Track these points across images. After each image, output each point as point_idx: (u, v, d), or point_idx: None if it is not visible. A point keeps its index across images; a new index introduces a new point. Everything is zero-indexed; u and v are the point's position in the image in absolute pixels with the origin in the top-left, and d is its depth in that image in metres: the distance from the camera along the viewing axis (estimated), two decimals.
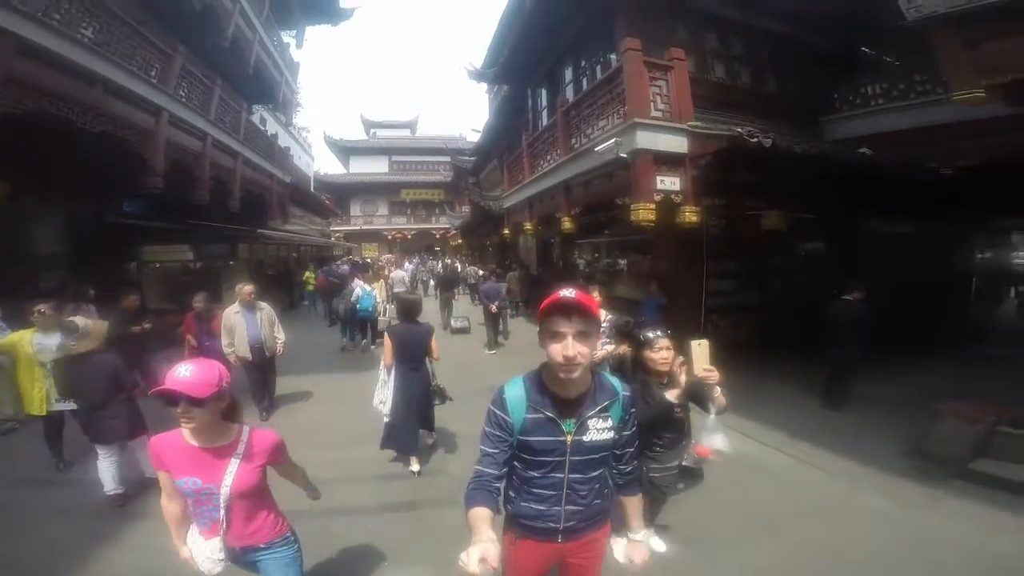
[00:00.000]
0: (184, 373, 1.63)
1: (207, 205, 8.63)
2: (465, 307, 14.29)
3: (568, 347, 1.38)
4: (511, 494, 1.67)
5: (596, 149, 6.49)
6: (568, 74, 10.64)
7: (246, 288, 5.34)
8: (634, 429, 1.71)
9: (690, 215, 5.94)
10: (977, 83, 3.62)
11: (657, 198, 5.88)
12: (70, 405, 3.76)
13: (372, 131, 40.41)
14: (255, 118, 14.74)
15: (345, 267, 16.00)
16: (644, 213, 5.79)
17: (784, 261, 8.08)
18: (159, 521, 2.00)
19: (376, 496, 3.87)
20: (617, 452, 1.68)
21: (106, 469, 3.55)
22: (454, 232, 29.06)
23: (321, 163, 34.66)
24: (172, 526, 1.88)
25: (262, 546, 1.87)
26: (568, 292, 1.41)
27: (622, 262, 10.65)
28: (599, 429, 1.55)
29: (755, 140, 5.07)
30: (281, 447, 1.91)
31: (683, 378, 2.33)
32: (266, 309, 5.52)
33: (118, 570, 2.97)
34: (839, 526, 3.37)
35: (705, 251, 7.40)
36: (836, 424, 5.13)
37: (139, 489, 3.73)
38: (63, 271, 7.82)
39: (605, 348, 3.95)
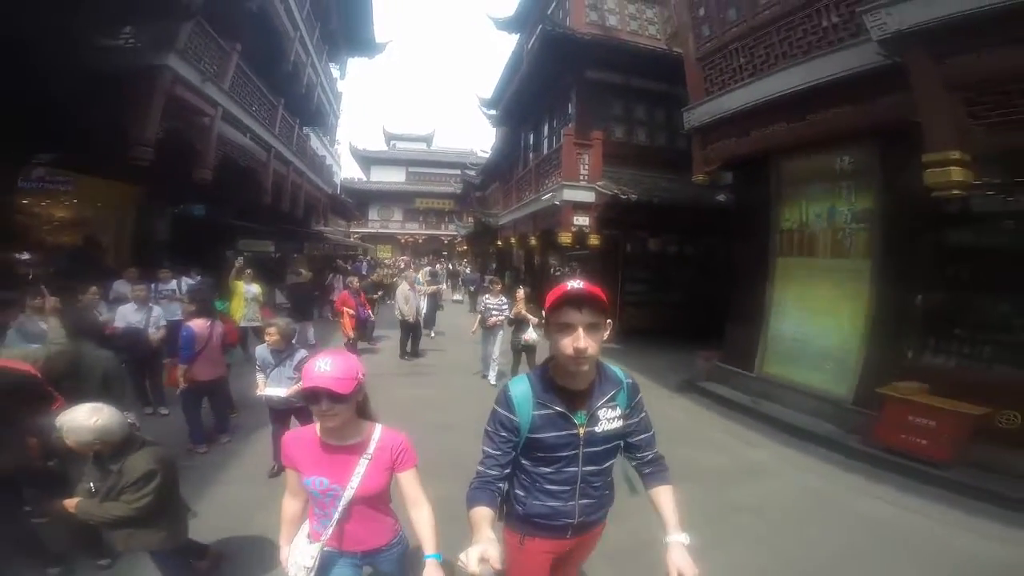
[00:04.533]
0: (325, 368, 1.50)
1: (274, 209, 12.43)
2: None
3: (579, 339, 1.35)
4: (520, 493, 1.60)
5: (542, 198, 10.53)
6: (546, 129, 14.73)
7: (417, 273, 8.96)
8: (645, 414, 1.68)
9: (594, 240, 9.94)
10: (707, 168, 7.34)
11: (574, 229, 9.89)
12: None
13: (392, 143, 44.21)
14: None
15: (363, 264, 20.05)
16: (565, 238, 9.85)
17: (672, 271, 11.91)
18: None
19: None
20: (632, 441, 1.64)
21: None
22: (460, 239, 33.22)
23: (345, 170, 38.60)
24: (284, 524, 1.79)
25: (383, 547, 1.77)
26: (576, 283, 1.38)
27: (568, 269, 14.59)
28: (609, 419, 1.54)
29: (624, 197, 9.03)
30: (409, 449, 1.72)
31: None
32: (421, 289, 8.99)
33: None
34: None
35: (621, 263, 11.30)
36: (660, 366, 8.83)
37: None
38: (185, 254, 11.70)
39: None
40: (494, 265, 22.05)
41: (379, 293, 11.75)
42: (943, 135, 3.75)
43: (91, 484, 2.17)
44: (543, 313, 1.48)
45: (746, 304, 6.80)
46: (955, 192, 3.74)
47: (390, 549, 1.80)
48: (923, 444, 4.37)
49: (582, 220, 9.92)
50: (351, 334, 8.22)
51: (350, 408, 1.59)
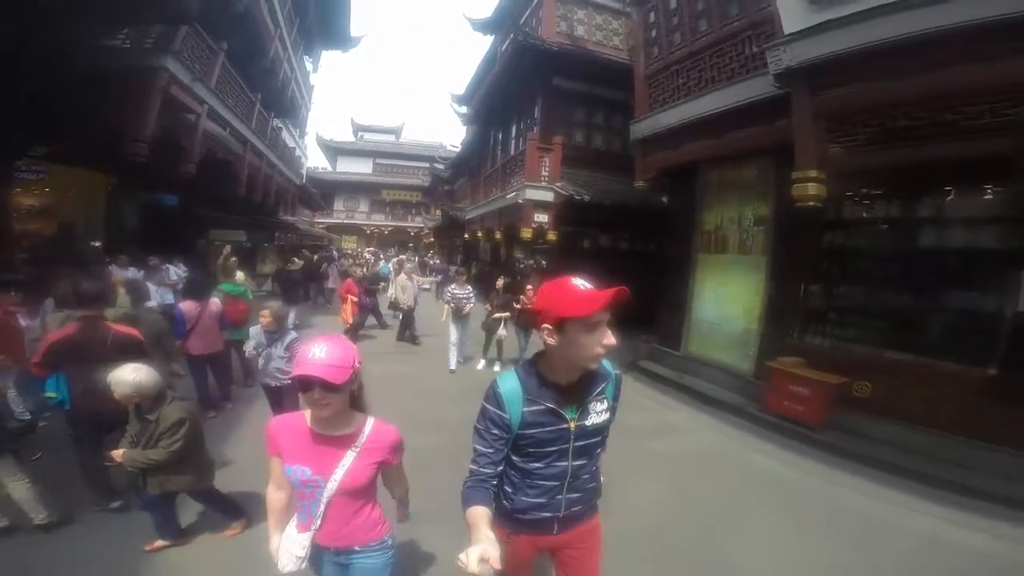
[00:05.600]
0: (319, 355, 1.45)
1: (247, 200, 12.82)
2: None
3: (608, 335, 1.41)
4: (508, 490, 1.61)
5: (507, 196, 11.45)
6: (513, 130, 15.59)
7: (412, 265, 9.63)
8: (617, 405, 1.71)
9: (552, 236, 10.93)
10: (646, 176, 8.46)
11: (534, 226, 10.85)
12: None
13: (360, 134, 44.07)
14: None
15: (334, 254, 20.48)
16: (526, 233, 10.80)
17: (622, 265, 13.00)
18: None
19: None
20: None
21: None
22: (427, 231, 33.80)
23: (310, 159, 38.40)
24: (271, 515, 1.75)
25: (357, 548, 1.69)
26: (587, 283, 1.42)
27: (533, 262, 15.60)
28: (598, 412, 1.57)
29: (579, 197, 10.04)
30: (399, 446, 1.71)
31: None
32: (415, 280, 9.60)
33: None
34: None
35: (581, 255, 12.32)
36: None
37: None
38: (156, 243, 12.03)
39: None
40: (460, 257, 22.85)
41: (381, 284, 12.25)
42: (807, 156, 4.84)
43: (132, 435, 2.66)
44: (549, 317, 1.44)
45: (675, 294, 7.91)
46: (812, 203, 4.85)
47: (371, 551, 1.71)
48: (800, 409, 5.38)
49: (542, 217, 10.92)
50: (351, 321, 8.89)
51: (343, 398, 1.55)
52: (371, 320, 10.59)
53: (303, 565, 1.64)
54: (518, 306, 7.57)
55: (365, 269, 14.47)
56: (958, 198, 4.82)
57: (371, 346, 9.02)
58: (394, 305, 9.64)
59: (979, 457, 4.25)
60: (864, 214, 5.62)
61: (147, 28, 7.04)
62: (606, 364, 1.63)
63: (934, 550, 3.37)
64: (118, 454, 2.61)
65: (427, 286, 16.23)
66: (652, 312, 9.48)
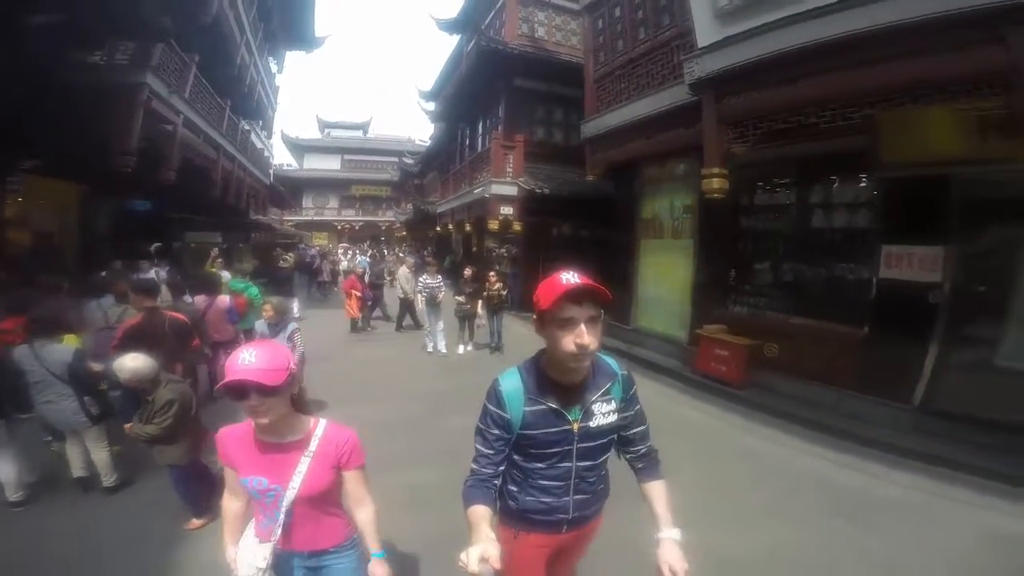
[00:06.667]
0: (249, 359, 1.39)
1: (221, 202, 13.23)
2: None
3: (583, 335, 1.32)
4: (513, 489, 1.58)
5: (475, 191, 12.24)
6: (480, 128, 16.26)
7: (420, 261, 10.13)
8: (640, 406, 1.65)
9: (517, 227, 11.80)
10: (594, 171, 9.34)
11: (500, 218, 11.68)
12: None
13: (327, 131, 43.90)
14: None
15: (314, 251, 20.95)
16: (493, 225, 11.64)
17: (582, 250, 13.91)
18: None
19: None
20: (626, 435, 1.63)
21: None
22: (399, 225, 34.20)
23: (276, 157, 38.21)
24: (226, 524, 1.73)
25: (331, 549, 1.68)
26: (572, 276, 1.34)
27: (504, 251, 16.43)
28: (604, 413, 1.51)
29: (539, 191, 10.90)
30: (357, 447, 1.64)
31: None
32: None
33: None
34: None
35: (545, 244, 13.21)
36: None
37: None
38: (132, 247, 12.35)
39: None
40: (430, 249, 23.52)
41: (388, 278, 12.84)
42: (712, 155, 5.78)
43: (139, 413, 3.06)
44: (536, 310, 1.41)
45: (623, 274, 8.85)
46: (717, 195, 5.81)
47: (340, 552, 1.70)
48: (723, 370, 6.31)
49: (507, 210, 11.76)
50: (357, 315, 9.59)
51: (283, 402, 1.49)
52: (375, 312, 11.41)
53: (264, 574, 1.59)
54: (485, 293, 8.32)
55: (347, 264, 15.48)
56: (840, 186, 5.83)
57: (373, 334, 10.28)
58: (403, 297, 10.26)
59: (859, 406, 5.15)
60: (769, 201, 6.65)
61: (123, 45, 7.52)
62: (611, 363, 1.60)
63: (818, 487, 4.01)
64: (128, 427, 3.06)
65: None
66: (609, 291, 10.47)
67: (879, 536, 3.35)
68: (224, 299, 5.73)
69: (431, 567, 2.87)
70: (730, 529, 3.33)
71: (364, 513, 1.68)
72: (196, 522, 3.24)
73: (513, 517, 1.61)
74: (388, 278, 12.93)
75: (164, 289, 5.80)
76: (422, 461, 4.28)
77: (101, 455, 3.58)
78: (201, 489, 3.29)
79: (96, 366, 3.44)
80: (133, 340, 3.44)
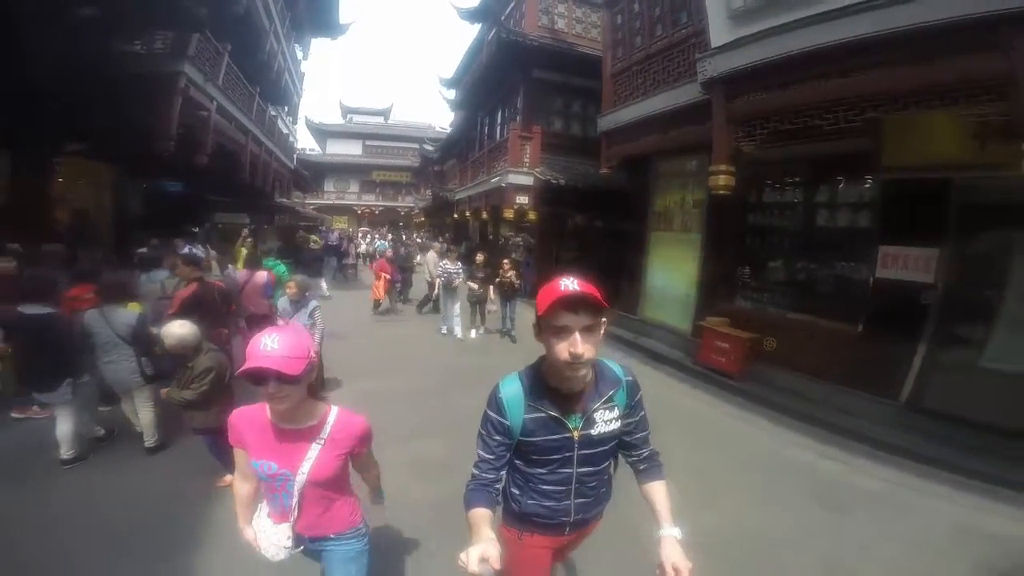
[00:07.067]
0: (272, 346, 1.40)
1: (249, 185, 13.76)
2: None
3: (576, 344, 1.29)
4: (515, 492, 1.61)
5: (492, 180, 12.52)
6: (499, 117, 16.48)
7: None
8: (644, 412, 1.64)
9: (532, 216, 12.07)
10: (608, 164, 9.51)
11: (516, 207, 11.95)
12: None
13: (349, 116, 44.31)
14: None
15: (335, 234, 21.48)
16: (508, 214, 11.92)
17: (594, 240, 14.08)
18: None
19: None
20: (629, 440, 1.62)
21: None
22: (418, 211, 34.66)
23: (300, 142, 38.82)
24: (239, 506, 1.78)
25: (332, 536, 1.72)
26: (571, 283, 1.31)
27: (520, 239, 16.69)
28: (606, 420, 1.50)
29: (555, 182, 11.13)
30: (368, 436, 1.70)
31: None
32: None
33: None
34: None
35: (559, 233, 13.48)
36: None
37: None
38: (162, 227, 12.93)
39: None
40: (447, 235, 23.95)
41: (416, 261, 13.27)
42: (720, 153, 5.98)
43: (177, 378, 3.23)
44: (536, 312, 1.39)
45: (633, 265, 9.12)
46: (723, 191, 6.01)
47: (344, 540, 1.73)
48: (723, 361, 6.54)
49: (523, 199, 12.01)
50: (381, 297, 10.10)
51: (301, 390, 1.51)
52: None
53: (293, 552, 1.68)
54: (497, 279, 8.62)
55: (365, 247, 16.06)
56: (844, 187, 6.00)
57: (395, 316, 10.76)
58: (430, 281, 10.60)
59: (849, 401, 5.36)
60: (775, 199, 6.83)
61: (161, 35, 7.94)
62: (616, 369, 1.59)
63: (800, 475, 4.24)
64: (164, 392, 3.21)
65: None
66: (620, 281, 10.70)
67: (854, 522, 3.56)
68: (262, 274, 6.11)
69: (435, 527, 3.14)
70: (708, 507, 3.60)
71: (370, 472, 1.90)
72: (229, 478, 3.32)
73: (516, 519, 1.65)
74: (417, 260, 13.32)
75: (213, 263, 6.26)
76: (429, 433, 4.64)
77: (147, 415, 3.93)
78: (229, 453, 3.63)
79: (154, 330, 3.77)
80: (187, 308, 3.84)
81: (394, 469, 1.71)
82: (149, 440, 3.94)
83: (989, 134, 4.33)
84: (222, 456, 3.42)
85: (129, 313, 3.87)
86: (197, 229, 11.70)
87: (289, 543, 1.65)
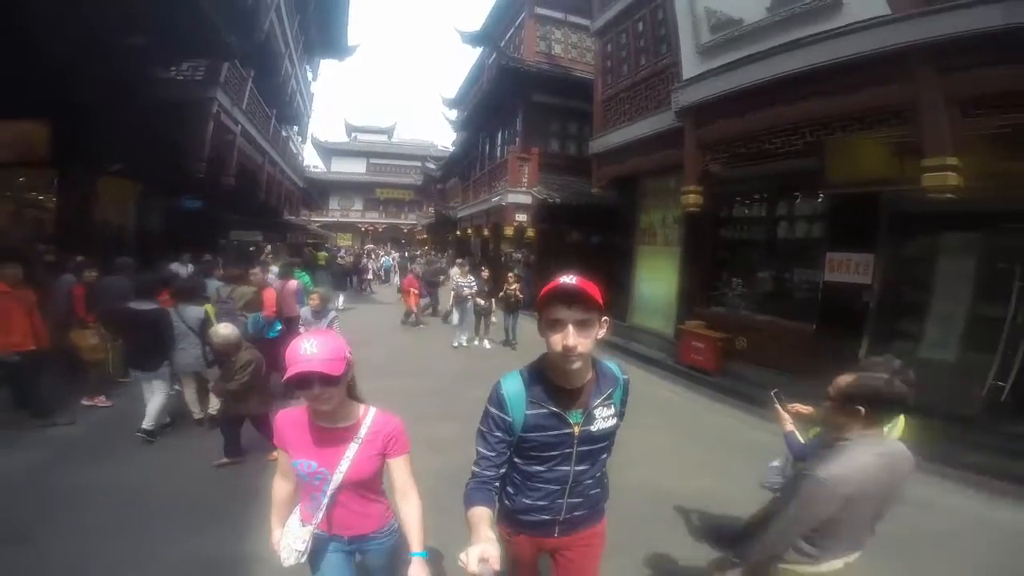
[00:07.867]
0: (312, 350, 1.45)
1: (264, 203, 14.61)
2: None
3: (568, 336, 1.32)
4: (510, 490, 1.61)
5: (492, 199, 13.39)
6: (499, 138, 17.42)
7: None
8: (623, 411, 1.64)
9: (530, 233, 12.90)
10: (599, 184, 10.33)
11: (515, 224, 12.79)
12: None
13: (353, 135, 45.39)
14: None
15: (342, 251, 22.40)
16: (508, 231, 12.77)
17: (588, 255, 14.85)
18: None
19: None
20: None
21: None
22: (421, 228, 35.54)
23: (306, 160, 39.74)
24: (274, 506, 1.80)
25: (370, 535, 1.74)
26: (569, 279, 1.36)
27: (521, 255, 17.49)
28: (604, 417, 1.53)
29: (551, 201, 11.97)
30: (402, 434, 1.69)
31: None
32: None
33: None
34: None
35: (557, 249, 14.21)
36: None
37: None
38: (181, 242, 13.68)
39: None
40: (449, 251, 24.77)
41: (441, 278, 13.86)
42: (691, 175, 6.84)
43: (221, 375, 3.76)
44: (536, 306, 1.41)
45: (623, 276, 9.92)
46: (694, 209, 6.85)
47: (380, 537, 1.76)
48: (701, 360, 7.30)
49: (521, 217, 12.88)
50: (414, 309, 10.92)
51: (342, 390, 1.56)
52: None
53: (303, 559, 1.66)
54: (501, 293, 9.24)
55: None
56: (800, 202, 6.81)
57: (419, 327, 11.26)
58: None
59: (804, 390, 5.99)
60: (742, 214, 7.68)
61: (193, 63, 8.81)
62: (614, 368, 1.62)
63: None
64: (211, 387, 3.99)
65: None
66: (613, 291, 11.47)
67: None
68: (293, 283, 6.88)
69: (447, 494, 3.42)
70: (672, 476, 4.24)
71: (409, 507, 1.66)
72: (275, 454, 3.88)
73: (507, 518, 1.65)
74: (442, 277, 13.98)
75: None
76: (444, 419, 5.25)
77: (157, 402, 4.35)
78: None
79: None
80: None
81: (413, 445, 1.72)
82: (147, 423, 4.25)
83: (903, 153, 5.11)
84: (267, 436, 3.69)
85: (198, 309, 4.61)
86: (218, 245, 12.44)
87: (302, 547, 1.64)
